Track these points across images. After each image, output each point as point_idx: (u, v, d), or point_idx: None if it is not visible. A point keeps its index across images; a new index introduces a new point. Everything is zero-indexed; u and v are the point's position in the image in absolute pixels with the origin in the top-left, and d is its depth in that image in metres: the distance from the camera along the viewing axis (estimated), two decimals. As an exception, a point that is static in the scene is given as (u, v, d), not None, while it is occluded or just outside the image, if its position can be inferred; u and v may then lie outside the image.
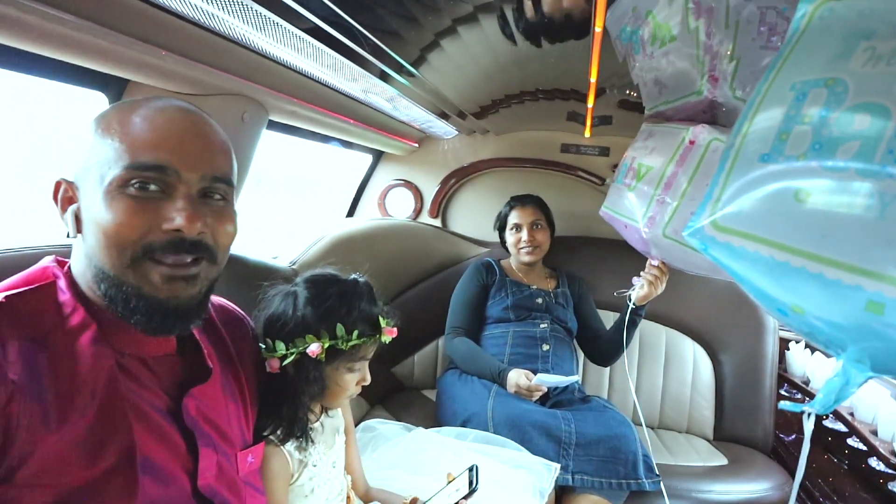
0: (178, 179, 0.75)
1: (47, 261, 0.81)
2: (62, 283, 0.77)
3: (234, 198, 0.87)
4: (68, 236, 0.77)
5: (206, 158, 0.78)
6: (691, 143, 1.55)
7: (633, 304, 1.96)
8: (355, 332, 1.06)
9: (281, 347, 1.04)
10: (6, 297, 0.70)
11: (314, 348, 1.02)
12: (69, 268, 0.80)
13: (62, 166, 0.80)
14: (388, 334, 1.12)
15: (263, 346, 1.06)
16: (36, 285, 0.75)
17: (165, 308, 0.77)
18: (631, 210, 1.68)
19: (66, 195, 0.78)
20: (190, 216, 0.75)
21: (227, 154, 0.83)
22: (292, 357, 1.03)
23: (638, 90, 1.65)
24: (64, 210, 0.78)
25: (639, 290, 1.93)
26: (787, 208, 0.74)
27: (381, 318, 1.11)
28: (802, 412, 0.84)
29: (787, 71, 0.82)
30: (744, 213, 0.82)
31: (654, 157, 1.64)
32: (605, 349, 2.23)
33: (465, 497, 1.11)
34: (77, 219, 0.76)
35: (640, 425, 1.92)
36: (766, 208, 0.78)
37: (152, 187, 0.74)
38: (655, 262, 1.87)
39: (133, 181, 0.73)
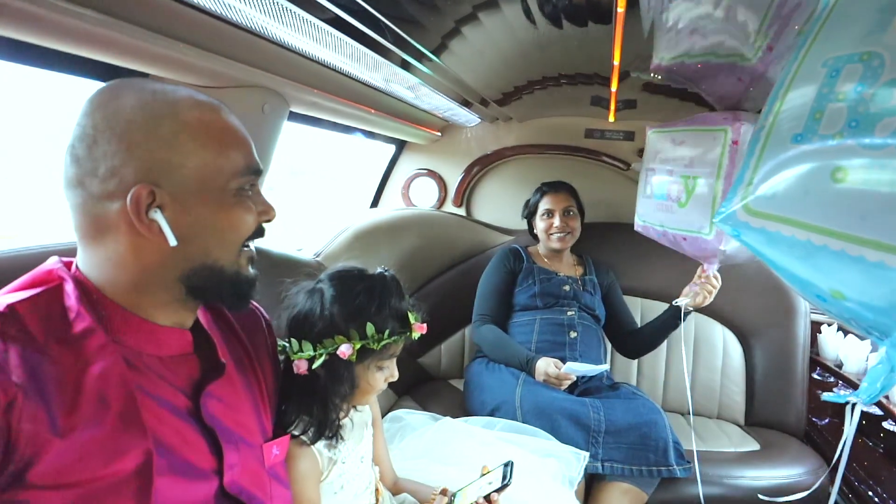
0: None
1: (52, 262, 0.79)
2: (69, 286, 0.75)
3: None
4: (173, 243, 0.75)
5: (254, 155, 0.86)
6: (735, 143, 1.51)
7: (683, 318, 1.98)
8: (386, 332, 1.03)
9: (308, 348, 1.01)
10: (8, 305, 0.69)
11: (345, 350, 0.99)
12: (76, 269, 0.79)
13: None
14: (419, 331, 1.09)
15: (288, 346, 1.03)
16: (41, 289, 0.74)
17: (252, 283, 0.87)
18: (690, 223, 1.66)
19: (153, 200, 0.74)
20: (271, 208, 0.87)
21: None
22: (322, 359, 1.00)
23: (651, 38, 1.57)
24: (146, 214, 0.74)
25: (692, 298, 1.94)
26: (823, 189, 0.71)
27: (410, 314, 1.08)
28: (847, 402, 0.81)
29: (819, 47, 0.79)
30: (778, 196, 0.79)
31: (698, 165, 1.61)
32: (636, 346, 2.23)
33: (497, 491, 1.10)
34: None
35: (679, 413, 1.90)
36: (800, 190, 0.75)
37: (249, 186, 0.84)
38: (710, 272, 1.87)
39: (246, 186, 0.82)
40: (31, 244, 1.05)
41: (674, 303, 2.00)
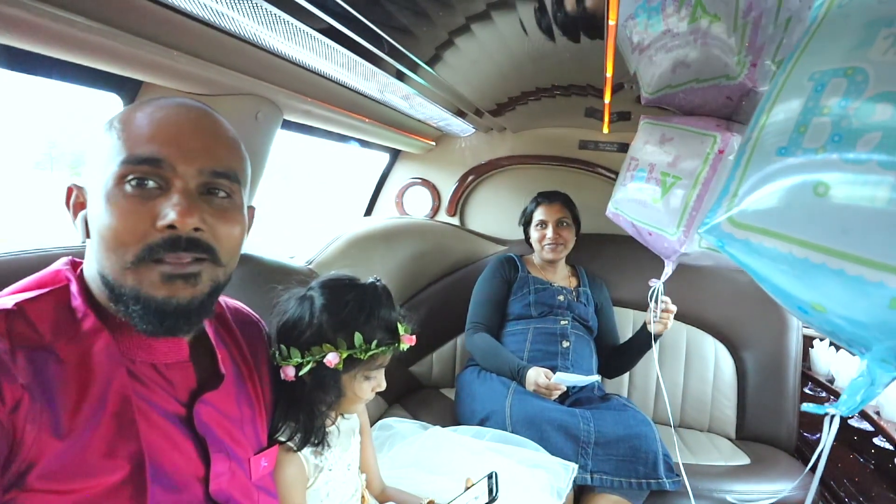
0: (173, 173, 0.73)
1: (60, 263, 0.80)
2: (74, 287, 0.76)
3: (247, 197, 0.84)
4: (82, 242, 0.77)
5: (205, 151, 0.76)
6: (720, 152, 1.52)
7: (655, 341, 2.01)
8: (374, 342, 1.02)
9: (296, 355, 1.00)
10: (17, 303, 0.70)
11: (331, 358, 0.99)
12: (81, 271, 0.79)
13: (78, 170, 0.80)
14: (407, 342, 1.07)
15: (277, 352, 1.02)
16: (48, 289, 0.74)
17: (164, 309, 0.73)
18: (659, 221, 1.66)
19: (77, 200, 0.77)
20: (182, 211, 0.71)
21: (233, 149, 0.81)
22: (308, 366, 1.00)
23: (636, 77, 1.61)
24: (76, 215, 0.77)
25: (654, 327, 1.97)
26: (806, 203, 0.72)
27: (399, 325, 1.07)
28: (826, 414, 0.82)
29: (806, 61, 0.80)
30: (761, 209, 0.80)
31: (680, 166, 1.61)
32: (614, 366, 2.24)
33: None
34: (87, 223, 0.75)
35: (669, 425, 1.90)
36: (784, 203, 0.76)
37: (150, 184, 0.72)
38: (664, 305, 1.93)
39: (129, 177, 0.71)
40: (34, 247, 1.06)
41: (647, 326, 2.03)
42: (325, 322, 1.02)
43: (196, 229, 0.73)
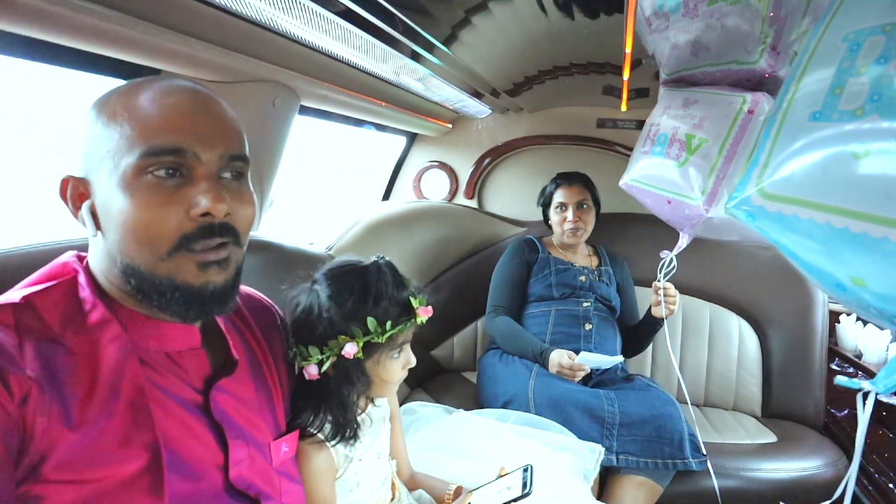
0: (197, 161, 0.73)
1: (68, 256, 0.80)
2: (82, 278, 0.76)
3: (270, 185, 0.85)
4: (93, 235, 0.76)
5: (222, 136, 0.76)
6: (750, 112, 1.47)
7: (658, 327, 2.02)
8: (388, 323, 0.99)
9: (315, 352, 0.98)
10: (25, 297, 0.70)
11: (349, 349, 0.96)
12: (87, 263, 0.79)
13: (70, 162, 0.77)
14: (424, 314, 1.04)
15: (297, 354, 1.00)
16: (56, 281, 0.74)
17: (202, 295, 0.75)
18: (680, 186, 1.60)
19: (76, 192, 0.75)
20: (215, 198, 0.72)
21: (239, 130, 0.80)
22: (329, 362, 0.98)
23: (654, 56, 1.56)
24: (77, 207, 0.75)
25: (659, 308, 1.96)
26: (844, 168, 0.68)
27: (412, 299, 1.04)
28: (859, 390, 0.79)
29: (839, 22, 0.76)
30: (795, 178, 0.76)
31: (707, 127, 1.55)
32: (627, 346, 2.21)
33: (516, 500, 1.05)
34: (94, 215, 0.74)
35: (686, 403, 1.89)
36: (820, 170, 0.72)
37: (174, 173, 0.72)
38: (669, 290, 1.91)
39: (151, 168, 0.70)
40: (44, 241, 1.06)
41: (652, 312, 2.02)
42: (335, 314, 0.99)
43: (226, 214, 0.74)
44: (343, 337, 0.97)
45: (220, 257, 0.75)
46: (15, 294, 0.71)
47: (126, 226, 0.71)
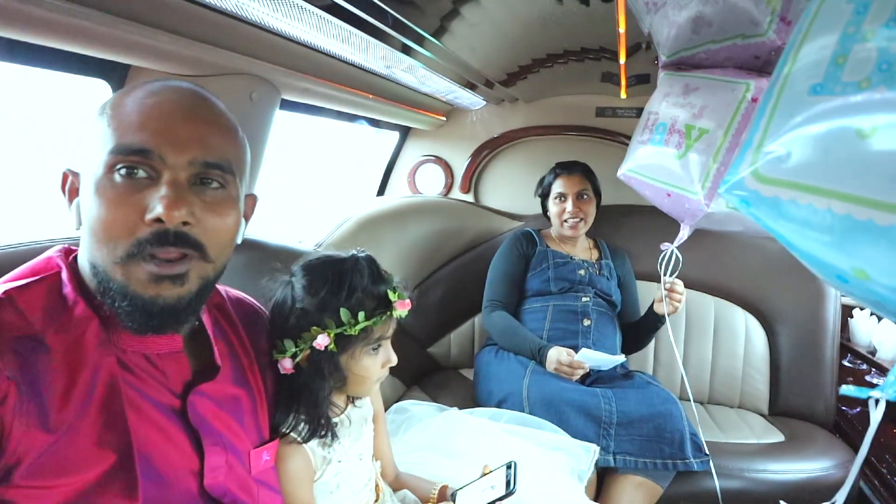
0: (163, 164, 0.70)
1: (53, 251, 0.78)
2: (65, 274, 0.74)
3: (244, 186, 0.81)
4: (76, 228, 0.75)
5: (197, 140, 0.73)
6: (754, 100, 1.40)
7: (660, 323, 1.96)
8: (361, 314, 0.97)
9: (290, 345, 0.96)
10: (5, 292, 0.68)
11: (321, 341, 0.94)
12: (74, 259, 0.78)
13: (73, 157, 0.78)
14: (401, 308, 1.02)
15: (274, 349, 0.99)
16: (39, 277, 0.73)
17: (150, 308, 0.72)
18: (680, 178, 1.54)
19: (72, 186, 0.76)
20: (169, 204, 0.68)
21: (228, 136, 0.77)
22: (301, 354, 0.97)
23: (650, 36, 1.50)
24: (71, 202, 0.76)
25: (661, 304, 1.91)
26: (847, 148, 0.61)
27: (389, 293, 1.01)
28: (868, 399, 0.72)
29: None
30: (793, 160, 0.68)
31: (707, 117, 1.49)
32: (626, 343, 2.14)
33: (500, 499, 1.03)
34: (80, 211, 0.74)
35: (689, 400, 1.83)
36: (820, 150, 0.64)
37: (140, 173, 0.69)
38: (677, 287, 1.86)
39: (118, 166, 0.69)
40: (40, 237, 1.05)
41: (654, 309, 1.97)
42: (308, 305, 0.97)
43: (185, 223, 0.71)
44: (316, 328, 0.96)
45: (174, 272, 0.72)
46: None
47: (88, 222, 0.71)
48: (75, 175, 0.75)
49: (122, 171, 0.69)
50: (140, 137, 0.69)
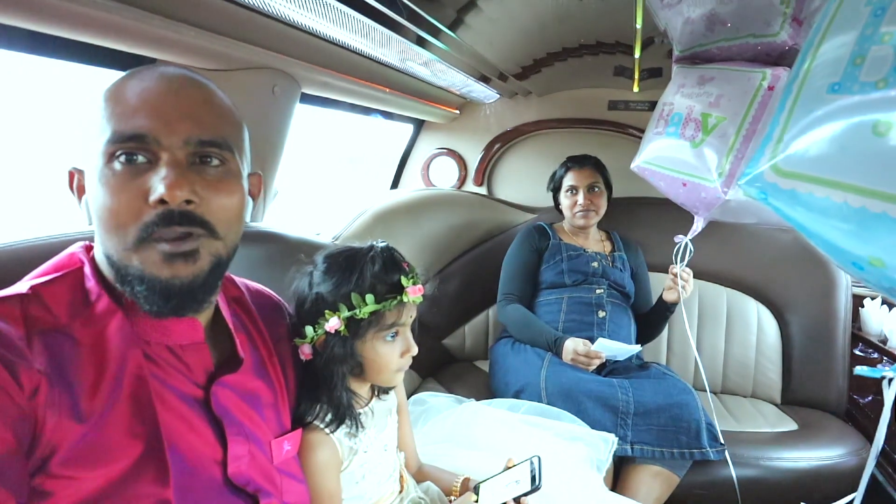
0: (159, 147, 0.70)
1: (76, 247, 0.80)
2: (88, 268, 0.76)
3: (245, 163, 0.82)
4: (89, 224, 0.76)
5: (190, 120, 0.73)
6: (770, 88, 1.41)
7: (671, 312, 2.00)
8: (370, 297, 0.98)
9: (310, 332, 0.99)
10: (32, 287, 0.70)
11: (332, 323, 0.97)
12: (93, 254, 0.79)
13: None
14: (413, 294, 1.01)
15: (297, 336, 1.01)
16: (63, 272, 0.75)
17: (169, 289, 0.72)
18: (696, 167, 1.55)
19: (79, 184, 0.76)
20: (171, 184, 0.69)
21: (222, 115, 0.77)
22: (315, 338, 0.99)
23: (666, 33, 1.51)
24: (80, 199, 0.76)
25: (670, 292, 1.95)
26: (863, 144, 0.64)
27: (403, 279, 1.02)
28: (882, 377, 0.75)
29: None
30: (811, 154, 0.71)
31: (724, 105, 1.49)
32: (639, 333, 2.16)
33: (525, 495, 1.03)
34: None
35: (704, 390, 1.85)
36: (838, 146, 0.67)
37: (140, 159, 0.70)
38: (680, 271, 1.85)
39: (117, 153, 0.69)
40: (60, 232, 1.06)
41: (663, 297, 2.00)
42: (323, 290, 0.99)
43: (188, 202, 0.71)
44: (329, 312, 0.98)
45: (183, 249, 0.72)
46: (23, 285, 0.71)
47: (97, 213, 0.71)
48: (80, 172, 0.76)
49: (122, 159, 0.69)
50: (135, 123, 0.70)
